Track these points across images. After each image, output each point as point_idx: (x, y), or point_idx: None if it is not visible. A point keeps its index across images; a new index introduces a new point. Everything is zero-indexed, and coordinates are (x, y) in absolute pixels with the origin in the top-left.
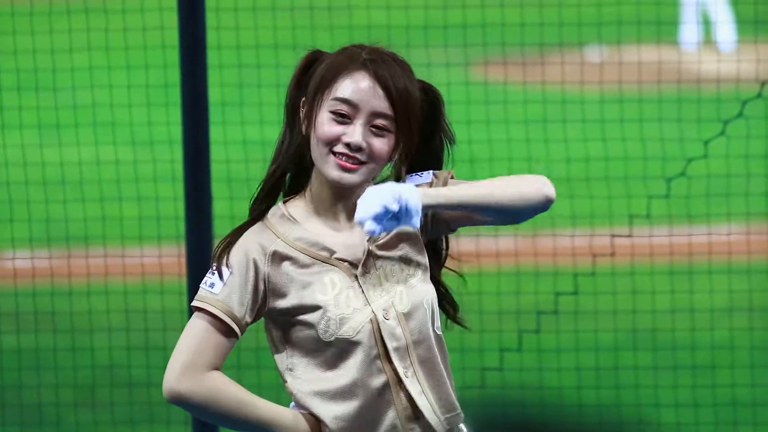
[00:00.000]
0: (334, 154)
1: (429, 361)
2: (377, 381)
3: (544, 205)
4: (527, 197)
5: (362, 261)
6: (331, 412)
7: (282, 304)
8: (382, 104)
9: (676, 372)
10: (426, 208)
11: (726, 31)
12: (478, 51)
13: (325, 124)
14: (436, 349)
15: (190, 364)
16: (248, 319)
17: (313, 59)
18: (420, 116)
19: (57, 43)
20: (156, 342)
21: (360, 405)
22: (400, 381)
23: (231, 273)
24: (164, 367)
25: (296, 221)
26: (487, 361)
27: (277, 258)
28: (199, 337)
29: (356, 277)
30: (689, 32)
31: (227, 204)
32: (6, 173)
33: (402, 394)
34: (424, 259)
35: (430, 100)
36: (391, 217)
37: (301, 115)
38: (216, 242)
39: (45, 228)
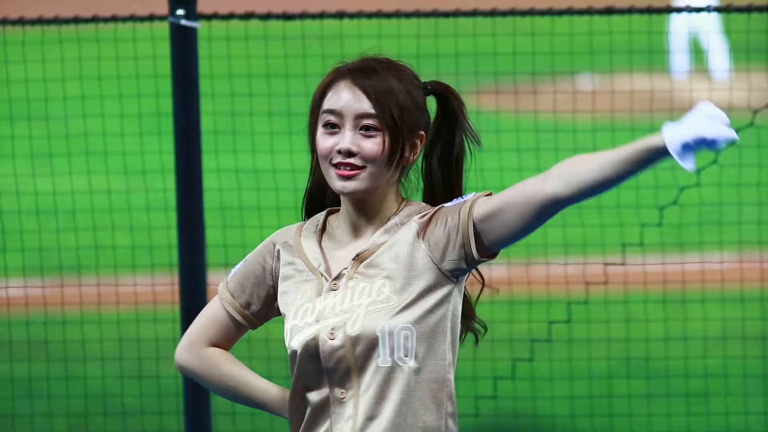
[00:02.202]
0: (335, 166)
1: (375, 390)
2: (314, 397)
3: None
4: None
5: (336, 275)
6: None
7: (279, 300)
8: (363, 105)
9: (670, 400)
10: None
11: (719, 59)
12: (470, 80)
13: (320, 140)
14: (386, 380)
15: (194, 339)
16: (255, 307)
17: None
18: (416, 113)
19: (49, 72)
20: (149, 370)
21: (299, 412)
22: (333, 402)
23: (245, 261)
24: (158, 395)
25: (318, 230)
26: (481, 390)
27: (282, 256)
28: (206, 316)
29: (324, 290)
30: (680, 61)
31: (220, 232)
32: None
33: (333, 416)
34: (413, 294)
35: (444, 99)
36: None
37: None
38: (209, 271)
39: (38, 257)
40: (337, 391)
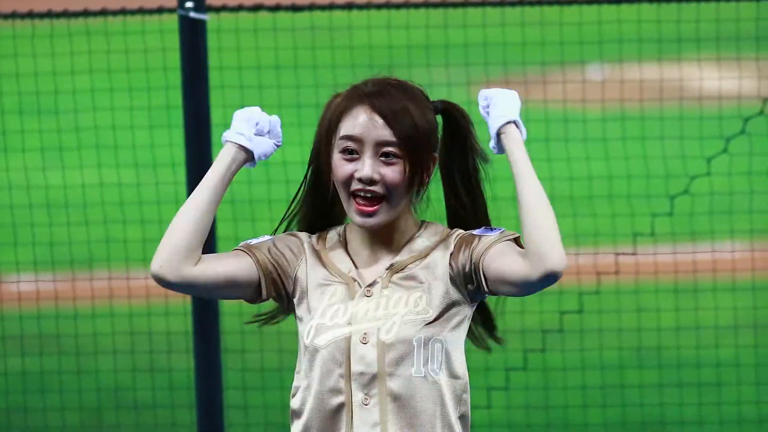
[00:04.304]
0: (354, 196)
1: (404, 399)
2: (335, 399)
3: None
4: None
5: (371, 282)
6: (293, 414)
7: (296, 293)
8: (384, 132)
9: (682, 390)
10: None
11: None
12: (479, 70)
13: (338, 166)
14: (419, 391)
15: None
16: (268, 256)
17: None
18: (433, 136)
19: (59, 65)
20: (161, 364)
21: (309, 418)
22: (356, 406)
23: (268, 238)
24: (170, 389)
25: (341, 240)
26: (493, 381)
27: (308, 254)
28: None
29: (357, 294)
30: None
31: (230, 225)
32: (9, 196)
33: (355, 421)
34: (444, 313)
35: (451, 118)
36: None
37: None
38: None
39: (49, 251)
40: (361, 396)
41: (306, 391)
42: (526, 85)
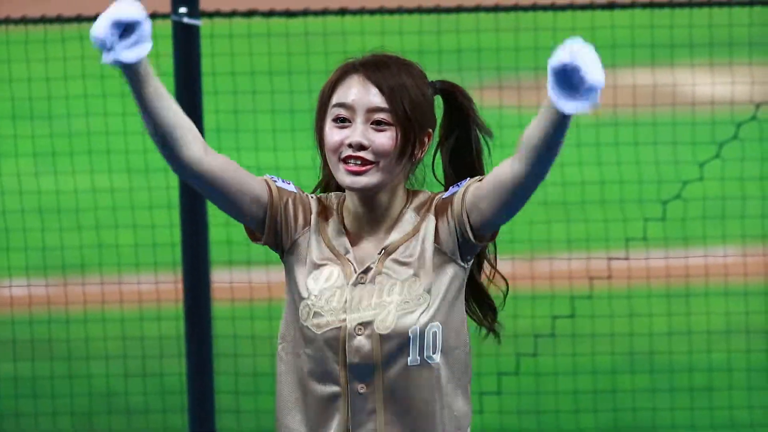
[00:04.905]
0: (344, 161)
1: (401, 388)
2: (330, 387)
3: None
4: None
5: (364, 268)
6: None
7: (290, 260)
8: (375, 99)
9: (674, 394)
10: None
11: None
12: (473, 76)
13: (329, 134)
14: (414, 378)
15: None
16: (281, 204)
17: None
18: (428, 110)
19: (52, 70)
20: (153, 369)
21: (305, 407)
22: (351, 394)
23: (292, 189)
24: (162, 393)
25: (339, 213)
26: (485, 386)
27: (316, 228)
28: None
29: (351, 281)
30: None
31: (223, 230)
32: (2, 202)
33: (351, 409)
34: (441, 288)
35: (451, 97)
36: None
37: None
38: (212, 269)
39: (41, 256)
40: (357, 385)
41: (294, 359)
42: (519, 90)
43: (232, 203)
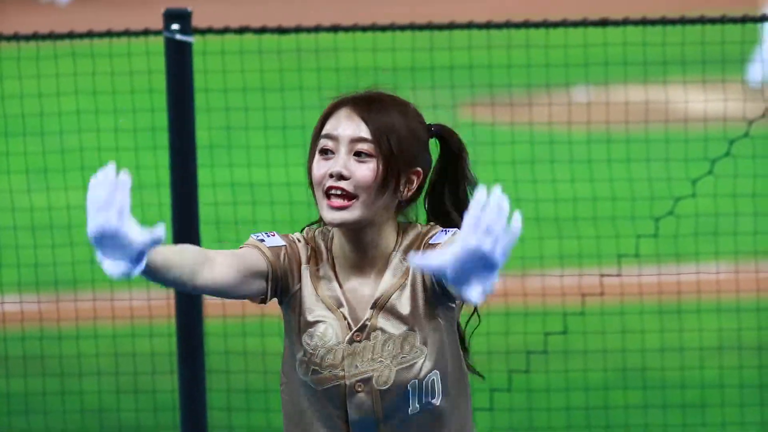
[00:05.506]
0: (327, 196)
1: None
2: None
3: None
4: None
5: (359, 326)
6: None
7: (287, 311)
8: (358, 129)
9: (666, 411)
10: None
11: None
12: (465, 92)
13: (315, 167)
14: (416, 423)
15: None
16: (279, 264)
17: None
18: (415, 148)
19: (44, 87)
20: (145, 385)
21: None
22: None
23: (277, 243)
24: (154, 410)
25: (330, 260)
26: (477, 402)
27: (303, 276)
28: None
29: (347, 339)
30: (756, 71)
31: (216, 246)
32: None
33: None
34: (436, 337)
35: (445, 142)
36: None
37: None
38: None
39: (34, 272)
40: None
41: (297, 399)
42: (512, 107)
43: (242, 295)
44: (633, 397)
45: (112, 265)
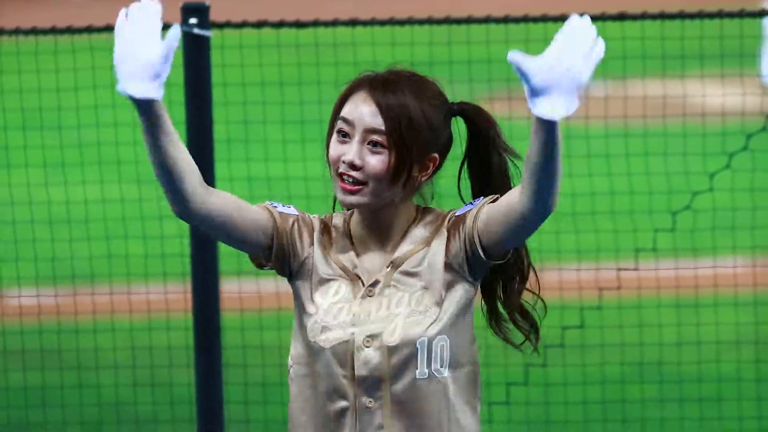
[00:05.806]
0: (341, 177)
1: (409, 401)
2: (338, 403)
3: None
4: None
5: (372, 281)
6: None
7: (297, 281)
8: (375, 120)
9: (683, 405)
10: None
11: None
12: (482, 87)
13: (332, 146)
14: (423, 392)
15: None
16: (288, 229)
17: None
18: (432, 135)
19: (62, 81)
20: (162, 378)
21: (315, 426)
22: (359, 409)
23: (291, 213)
24: (171, 403)
25: (346, 230)
26: (494, 396)
27: (320, 245)
28: None
29: (359, 295)
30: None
31: None
32: (12, 212)
33: (359, 424)
34: (451, 303)
35: (471, 121)
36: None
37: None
38: (221, 279)
39: (51, 266)
40: (365, 400)
41: (305, 380)
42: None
43: (238, 238)
44: (650, 391)
45: (134, 86)
